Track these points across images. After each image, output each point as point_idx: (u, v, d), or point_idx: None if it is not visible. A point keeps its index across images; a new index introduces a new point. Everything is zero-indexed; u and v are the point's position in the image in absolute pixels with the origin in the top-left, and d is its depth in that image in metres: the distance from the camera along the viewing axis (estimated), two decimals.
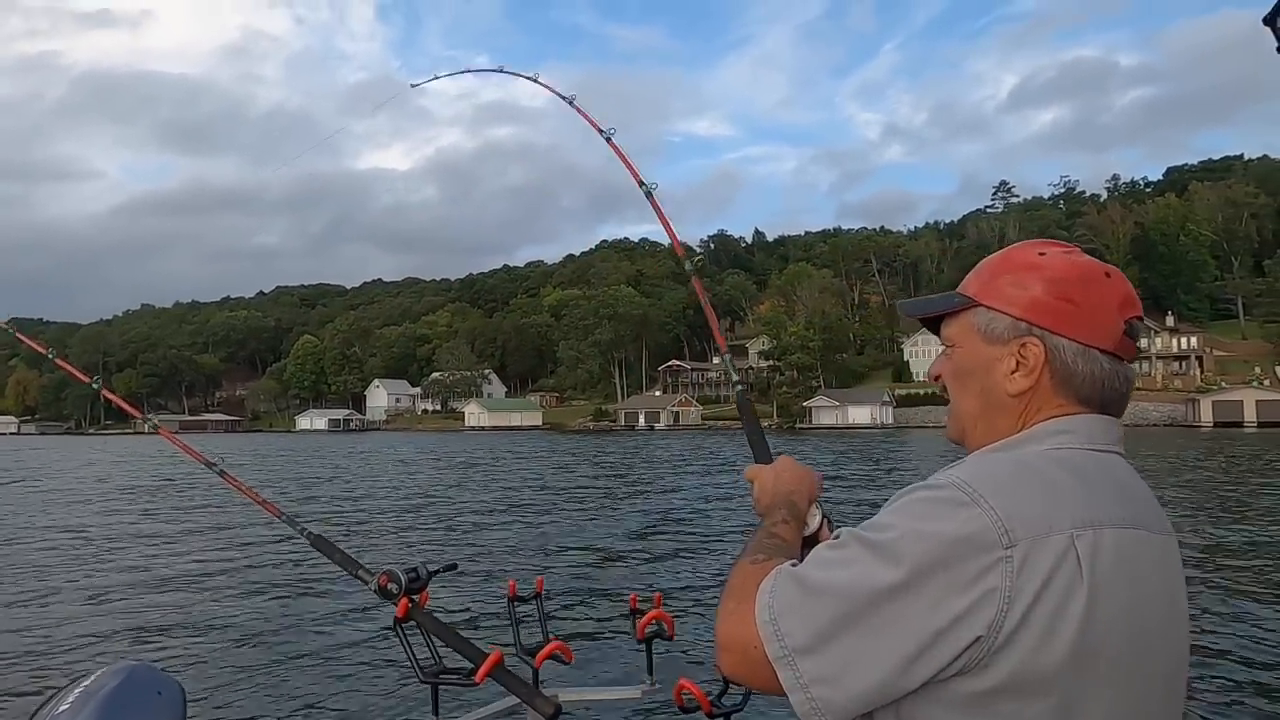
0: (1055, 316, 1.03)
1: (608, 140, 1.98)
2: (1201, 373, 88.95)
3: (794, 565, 0.99)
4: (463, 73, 2.36)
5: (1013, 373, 1.04)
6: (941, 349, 1.16)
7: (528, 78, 2.25)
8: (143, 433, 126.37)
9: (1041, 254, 1.07)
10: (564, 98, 2.11)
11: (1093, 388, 1.03)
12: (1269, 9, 0.89)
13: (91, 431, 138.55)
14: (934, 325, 1.18)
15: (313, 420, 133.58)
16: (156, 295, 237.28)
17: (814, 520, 1.25)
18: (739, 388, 1.66)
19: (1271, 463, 30.98)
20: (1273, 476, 25.13)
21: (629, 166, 1.94)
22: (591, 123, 2.03)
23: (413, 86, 2.33)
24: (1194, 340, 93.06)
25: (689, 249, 1.83)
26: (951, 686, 0.90)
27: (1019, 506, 0.90)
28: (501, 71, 2.27)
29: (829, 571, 0.94)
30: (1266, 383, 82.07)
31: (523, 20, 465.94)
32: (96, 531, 16.97)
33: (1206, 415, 75.10)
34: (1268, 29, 0.90)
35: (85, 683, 1.42)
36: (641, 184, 1.87)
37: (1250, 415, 74.51)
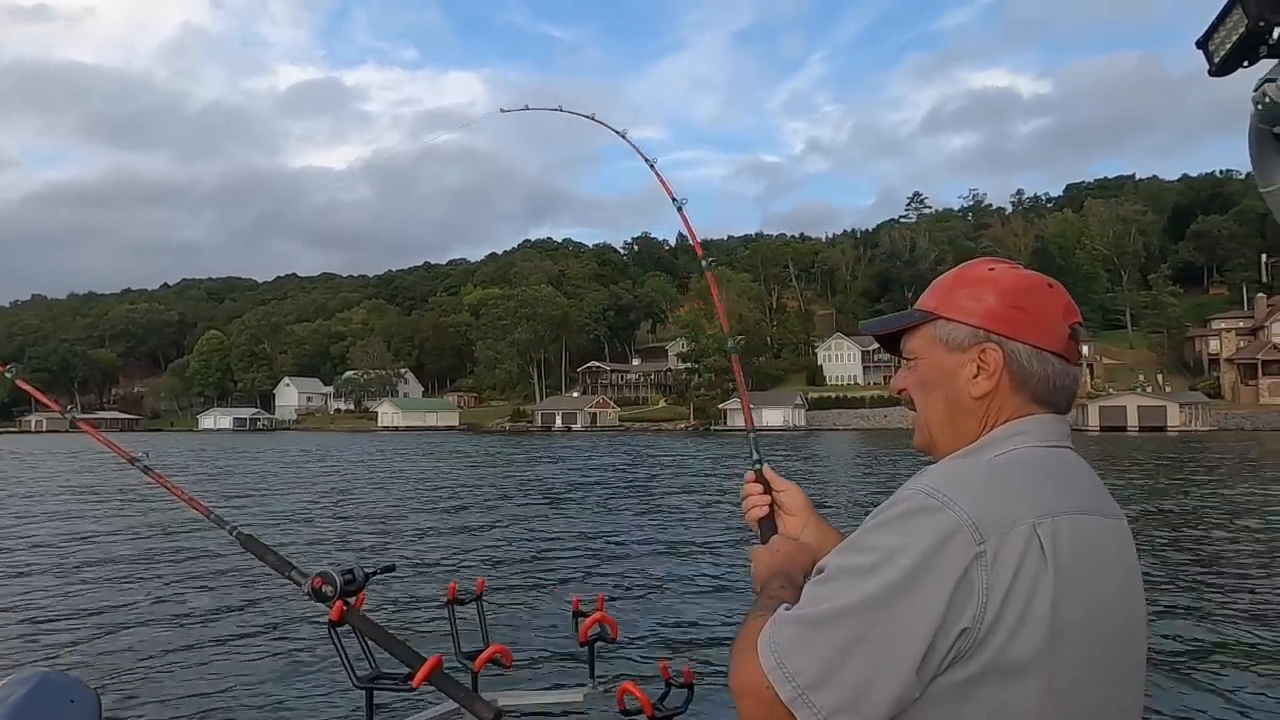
0: (1010, 323, 1.13)
1: (651, 163, 2.06)
2: (1091, 379, 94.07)
3: (788, 609, 1.03)
4: (556, 109, 2.29)
5: (975, 377, 1.13)
6: (902, 362, 1.25)
7: (587, 116, 2.24)
8: (28, 430, 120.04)
9: (991, 269, 1.18)
10: (647, 159, 2.09)
11: (1046, 388, 1.13)
12: (1202, 33, 0.96)
13: None
14: (890, 343, 1.26)
15: (217, 419, 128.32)
16: (52, 286, 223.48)
17: None
18: (757, 465, 1.48)
19: (1139, 462, 33.28)
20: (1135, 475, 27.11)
21: (663, 183, 2.01)
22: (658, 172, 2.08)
23: (503, 111, 2.33)
24: (1085, 349, 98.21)
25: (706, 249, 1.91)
26: (939, 679, 0.96)
27: (985, 505, 0.98)
28: (594, 118, 2.26)
29: (824, 603, 0.98)
30: (1149, 389, 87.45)
31: (454, 14, 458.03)
32: (2, 532, 16.18)
33: (1094, 420, 79.27)
34: (1199, 51, 0.97)
35: None
36: (674, 199, 1.94)
37: (1132, 420, 79.21)
